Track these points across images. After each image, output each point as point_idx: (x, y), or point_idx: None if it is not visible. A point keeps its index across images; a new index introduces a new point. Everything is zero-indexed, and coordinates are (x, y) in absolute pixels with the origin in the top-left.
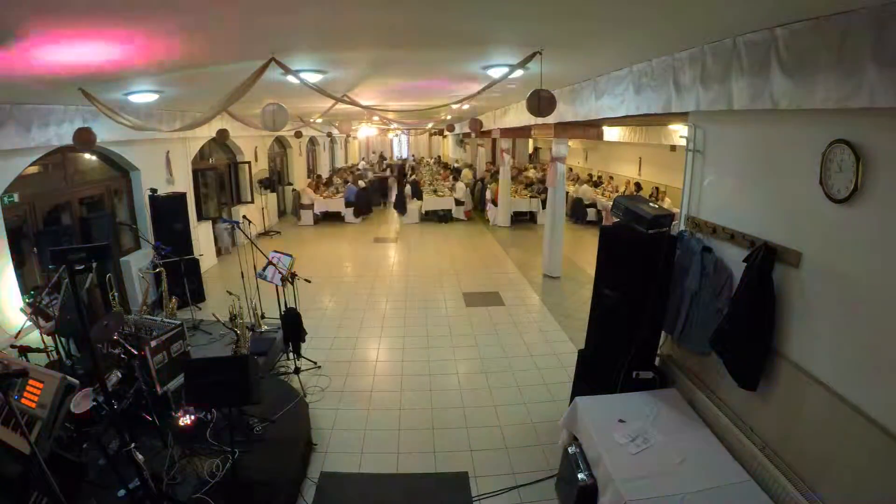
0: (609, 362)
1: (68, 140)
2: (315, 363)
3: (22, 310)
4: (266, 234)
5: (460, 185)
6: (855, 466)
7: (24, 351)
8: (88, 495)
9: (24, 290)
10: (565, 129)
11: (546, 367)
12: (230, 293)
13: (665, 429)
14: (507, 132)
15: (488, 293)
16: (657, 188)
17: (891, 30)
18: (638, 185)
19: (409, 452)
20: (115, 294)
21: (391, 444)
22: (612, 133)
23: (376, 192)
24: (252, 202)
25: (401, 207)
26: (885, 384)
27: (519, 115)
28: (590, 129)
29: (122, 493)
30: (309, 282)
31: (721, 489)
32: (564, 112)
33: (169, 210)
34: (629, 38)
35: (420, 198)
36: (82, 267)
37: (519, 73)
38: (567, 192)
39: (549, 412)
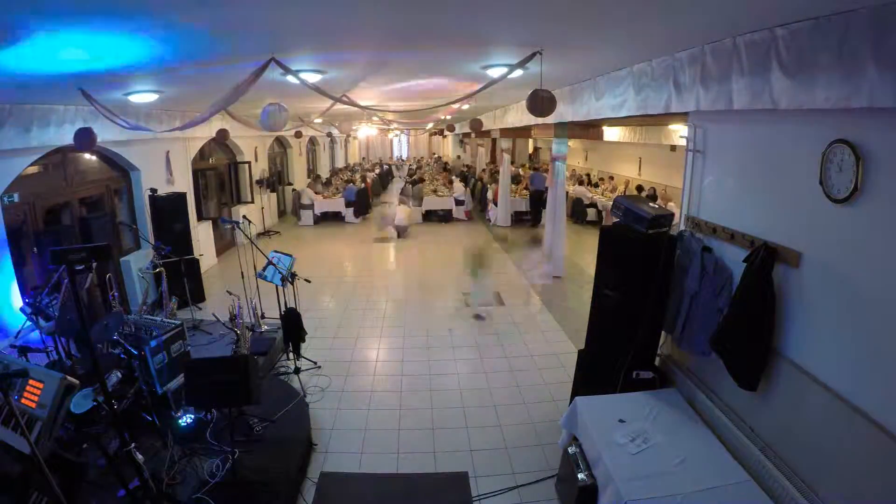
0: (609, 362)
1: (68, 140)
2: (315, 363)
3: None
4: (266, 233)
5: (459, 185)
6: (855, 466)
7: (24, 351)
8: (88, 495)
9: (24, 290)
10: (565, 129)
11: (546, 367)
12: (230, 293)
13: (665, 429)
14: (507, 132)
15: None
16: (650, 188)
17: (891, 30)
18: (640, 188)
19: (409, 452)
20: (115, 294)
21: (391, 444)
22: (612, 133)
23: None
24: (252, 202)
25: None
26: (885, 384)
27: (519, 115)
28: (590, 129)
29: (122, 493)
30: (309, 282)
31: (721, 489)
32: (564, 112)
33: (169, 210)
34: (629, 38)
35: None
36: (82, 267)
37: (519, 72)
38: (567, 193)
39: (549, 412)
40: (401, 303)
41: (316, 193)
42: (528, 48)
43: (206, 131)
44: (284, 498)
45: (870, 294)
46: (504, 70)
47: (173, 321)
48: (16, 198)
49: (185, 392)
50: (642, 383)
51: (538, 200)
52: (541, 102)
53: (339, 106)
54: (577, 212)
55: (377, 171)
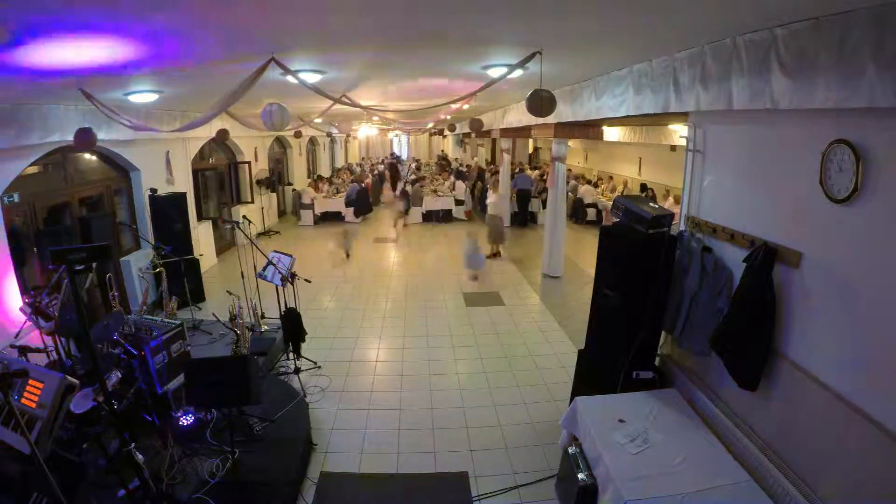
0: (609, 362)
1: (68, 140)
2: (315, 363)
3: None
4: (266, 233)
5: (460, 185)
6: (855, 466)
7: (24, 351)
8: (88, 495)
9: (24, 290)
10: (565, 129)
11: (546, 367)
12: (230, 293)
13: (665, 429)
14: (507, 132)
15: (488, 293)
16: (650, 190)
17: (891, 30)
18: (643, 187)
19: (409, 452)
20: (115, 294)
21: (391, 444)
22: (612, 133)
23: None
24: (252, 202)
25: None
26: (885, 384)
27: (519, 115)
28: (590, 129)
29: (122, 493)
30: (309, 282)
31: (721, 489)
32: (564, 112)
33: (169, 210)
34: (629, 38)
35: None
36: (82, 267)
37: (519, 72)
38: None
39: (549, 412)
40: (400, 303)
41: (317, 192)
42: (528, 48)
43: (206, 131)
44: (284, 498)
45: (870, 294)
46: (504, 70)
47: (173, 321)
48: (16, 198)
49: (185, 392)
50: (642, 383)
51: (525, 200)
52: (541, 102)
53: (339, 106)
54: (578, 212)
55: (376, 171)
